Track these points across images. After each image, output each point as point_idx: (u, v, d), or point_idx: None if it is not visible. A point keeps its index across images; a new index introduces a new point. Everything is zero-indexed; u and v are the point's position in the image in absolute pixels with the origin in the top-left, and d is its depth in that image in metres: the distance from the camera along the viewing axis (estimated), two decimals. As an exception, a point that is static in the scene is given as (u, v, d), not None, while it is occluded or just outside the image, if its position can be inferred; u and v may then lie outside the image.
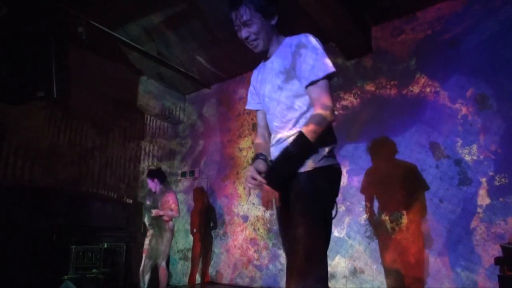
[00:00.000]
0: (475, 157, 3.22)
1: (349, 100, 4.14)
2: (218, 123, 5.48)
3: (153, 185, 4.25)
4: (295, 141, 1.35)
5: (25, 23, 3.84)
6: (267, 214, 4.52)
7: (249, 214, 4.70)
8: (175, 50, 4.68)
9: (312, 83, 1.38)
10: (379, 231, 3.59)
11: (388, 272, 3.46)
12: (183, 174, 5.67)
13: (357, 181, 3.85)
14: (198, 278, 5.05)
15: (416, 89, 3.68)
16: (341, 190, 4.13)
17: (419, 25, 3.78)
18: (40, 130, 4.17)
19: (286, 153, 1.36)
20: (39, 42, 3.37)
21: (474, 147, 3.23)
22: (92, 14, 3.78)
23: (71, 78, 3.68)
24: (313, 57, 1.40)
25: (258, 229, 4.55)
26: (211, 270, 4.93)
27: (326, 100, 1.35)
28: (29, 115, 4.05)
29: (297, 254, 1.28)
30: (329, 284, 3.80)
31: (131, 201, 4.90)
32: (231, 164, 5.10)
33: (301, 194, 1.35)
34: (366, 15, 3.95)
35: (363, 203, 3.76)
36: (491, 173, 3.11)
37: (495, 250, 2.89)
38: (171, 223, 4.11)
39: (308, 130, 1.32)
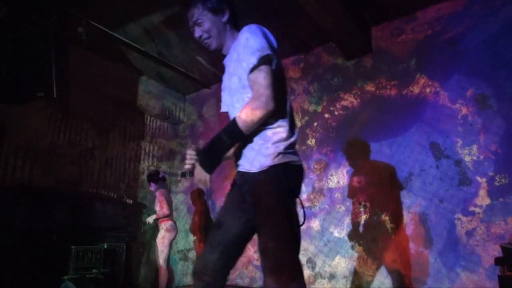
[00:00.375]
0: (475, 157, 3.22)
1: (349, 100, 4.14)
2: (218, 123, 5.48)
3: (152, 187, 4.43)
4: (227, 127, 1.32)
5: (25, 23, 3.83)
6: (267, 214, 4.51)
7: (249, 214, 4.70)
8: (175, 50, 4.68)
9: (250, 71, 1.31)
10: (378, 231, 3.59)
11: (388, 272, 3.46)
12: (183, 175, 5.67)
13: (357, 181, 3.84)
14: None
15: (416, 89, 3.68)
16: (341, 190, 4.14)
17: (419, 25, 3.78)
18: (40, 130, 4.16)
19: (217, 138, 1.34)
20: (39, 42, 3.37)
21: (474, 147, 3.23)
22: (92, 14, 3.78)
23: (71, 78, 3.67)
24: (250, 47, 1.32)
25: (258, 229, 4.55)
26: (211, 270, 4.92)
27: (261, 88, 1.27)
28: (29, 115, 4.05)
29: (269, 268, 1.20)
30: (329, 284, 3.81)
31: (131, 201, 4.89)
32: (231, 164, 5.08)
33: (260, 199, 1.28)
34: (366, 15, 3.95)
35: (363, 203, 3.75)
36: (491, 174, 3.11)
37: (495, 250, 2.89)
38: (167, 222, 4.14)
39: (240, 118, 1.28)
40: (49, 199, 3.90)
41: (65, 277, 3.50)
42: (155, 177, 4.42)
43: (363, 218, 3.73)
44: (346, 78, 4.22)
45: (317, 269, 3.92)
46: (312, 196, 4.16)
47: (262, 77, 1.28)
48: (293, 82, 4.70)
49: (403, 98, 3.75)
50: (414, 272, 3.31)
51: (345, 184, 3.92)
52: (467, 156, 3.26)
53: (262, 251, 1.23)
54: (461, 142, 3.31)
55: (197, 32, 1.51)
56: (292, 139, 1.38)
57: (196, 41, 1.59)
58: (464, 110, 3.36)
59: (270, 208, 1.25)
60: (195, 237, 5.25)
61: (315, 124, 4.35)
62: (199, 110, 5.83)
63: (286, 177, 1.29)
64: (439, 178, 3.36)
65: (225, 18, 1.50)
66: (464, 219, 3.17)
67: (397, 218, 3.50)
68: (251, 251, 4.54)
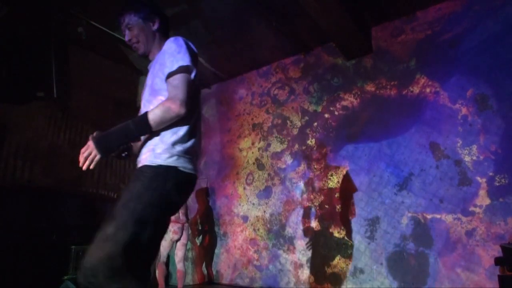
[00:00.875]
0: (475, 158, 3.22)
1: (349, 100, 4.14)
2: (218, 123, 5.48)
3: None
4: (137, 117, 1.35)
5: (25, 23, 3.84)
6: (267, 215, 4.52)
7: (249, 214, 4.70)
8: (175, 50, 4.68)
9: (168, 76, 1.38)
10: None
11: (388, 272, 3.46)
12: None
13: (357, 181, 3.85)
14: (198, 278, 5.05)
15: (416, 89, 3.68)
16: (340, 190, 4.14)
17: (419, 25, 3.78)
18: (40, 130, 4.16)
19: (125, 125, 1.35)
20: (39, 42, 3.37)
21: (474, 147, 3.23)
22: (92, 14, 3.78)
23: (71, 78, 3.68)
24: (171, 56, 1.41)
25: (258, 230, 4.56)
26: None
27: (178, 92, 1.33)
28: (29, 115, 4.05)
29: (95, 253, 1.15)
30: (329, 284, 3.81)
31: (131, 201, 4.89)
32: (231, 164, 5.10)
33: (129, 187, 1.31)
34: (366, 15, 3.95)
35: (363, 203, 3.76)
36: (491, 174, 3.11)
37: (495, 250, 2.89)
38: (173, 225, 4.18)
39: (152, 113, 1.32)
40: (49, 199, 3.90)
41: (65, 277, 3.50)
42: None
43: (363, 218, 3.73)
44: (346, 78, 4.22)
45: (317, 269, 3.92)
46: (312, 196, 4.16)
47: (180, 83, 1.34)
48: (293, 82, 4.70)
49: (403, 98, 3.75)
50: (414, 272, 3.31)
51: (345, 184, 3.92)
52: (467, 156, 3.26)
53: (103, 232, 1.19)
54: (461, 142, 3.31)
55: (127, 36, 1.61)
56: (189, 147, 1.41)
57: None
58: (464, 110, 3.36)
59: (133, 194, 1.26)
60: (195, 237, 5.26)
61: (315, 124, 4.35)
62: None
63: (167, 179, 1.31)
64: (439, 178, 3.37)
65: (155, 27, 1.63)
66: (464, 219, 3.17)
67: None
68: (251, 251, 4.55)
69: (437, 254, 3.23)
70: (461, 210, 3.19)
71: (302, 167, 4.34)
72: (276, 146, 4.66)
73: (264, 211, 4.55)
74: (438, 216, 3.30)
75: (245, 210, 4.76)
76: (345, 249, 3.77)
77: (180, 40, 1.46)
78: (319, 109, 4.37)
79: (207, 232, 5.13)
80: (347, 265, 3.72)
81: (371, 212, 3.68)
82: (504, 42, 3.24)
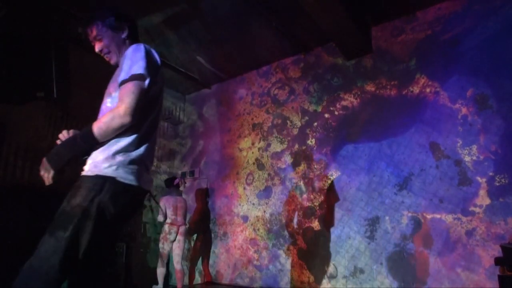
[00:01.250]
0: (475, 158, 3.22)
1: (349, 100, 4.14)
2: (218, 123, 5.48)
3: None
4: (83, 130, 1.34)
5: (25, 24, 3.83)
6: (267, 215, 4.52)
7: (249, 214, 4.70)
8: (175, 50, 4.68)
9: (120, 84, 1.35)
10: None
11: (388, 272, 3.46)
12: (183, 174, 5.67)
13: (357, 181, 3.85)
14: (197, 278, 5.05)
15: (416, 89, 3.68)
16: (341, 190, 4.15)
17: (419, 25, 3.78)
18: (40, 130, 4.16)
19: (72, 138, 1.35)
20: (39, 42, 3.37)
21: (474, 147, 3.23)
22: (92, 14, 3.78)
23: (71, 78, 3.68)
24: (128, 62, 1.38)
25: (258, 230, 4.56)
26: (211, 270, 4.93)
27: (126, 100, 1.28)
28: (29, 115, 4.04)
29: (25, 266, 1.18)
30: (329, 284, 3.82)
31: (131, 201, 4.90)
32: (231, 164, 5.10)
33: (68, 196, 1.29)
34: (366, 15, 3.95)
35: (363, 203, 3.76)
36: (491, 174, 3.11)
37: (495, 250, 2.89)
38: (164, 226, 4.39)
39: (97, 124, 1.30)
40: (49, 199, 3.90)
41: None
42: (167, 183, 4.72)
43: (363, 218, 3.73)
44: (346, 78, 4.22)
45: (317, 269, 3.93)
46: (312, 196, 4.17)
47: (128, 91, 1.30)
48: (293, 82, 4.70)
49: (403, 98, 3.75)
50: (414, 272, 3.31)
51: (346, 184, 3.92)
52: (467, 156, 3.26)
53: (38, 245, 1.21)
54: (461, 142, 3.31)
55: (97, 47, 1.59)
56: (134, 157, 1.36)
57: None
58: (464, 110, 3.36)
59: (70, 204, 1.25)
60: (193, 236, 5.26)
61: (315, 124, 4.35)
62: (199, 110, 5.83)
63: (104, 190, 1.27)
64: (439, 178, 3.37)
65: (124, 35, 1.62)
66: (464, 219, 3.17)
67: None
68: (251, 251, 4.55)
69: (437, 254, 3.23)
70: (461, 210, 3.19)
71: (302, 167, 4.34)
72: (276, 146, 4.66)
73: (264, 211, 4.55)
74: (438, 216, 3.30)
75: (245, 210, 4.76)
76: (345, 249, 3.77)
77: (141, 47, 1.42)
78: (319, 109, 4.37)
79: (203, 232, 5.16)
80: (347, 265, 3.72)
81: (371, 212, 3.68)
82: (504, 42, 3.24)
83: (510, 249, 2.44)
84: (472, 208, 3.15)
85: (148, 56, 1.41)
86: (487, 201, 3.09)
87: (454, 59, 3.50)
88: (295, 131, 4.52)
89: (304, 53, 4.63)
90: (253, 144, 4.92)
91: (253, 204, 4.70)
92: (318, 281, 3.88)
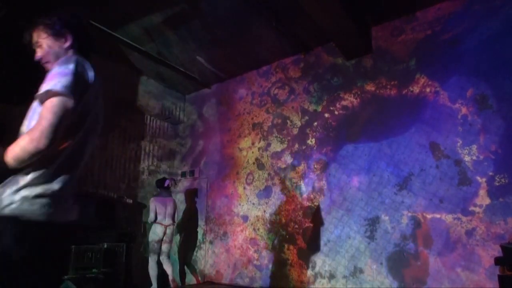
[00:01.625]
0: (475, 157, 3.22)
1: (349, 100, 4.14)
2: (218, 123, 5.48)
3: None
4: None
5: (25, 23, 3.83)
6: (267, 214, 4.52)
7: (249, 214, 4.70)
8: (175, 50, 4.68)
9: (40, 99, 1.20)
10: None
11: (388, 272, 3.46)
12: (183, 174, 5.68)
13: (357, 181, 3.85)
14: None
15: (416, 89, 3.68)
16: (341, 190, 4.14)
17: (419, 25, 3.78)
18: (40, 130, 4.16)
19: None
20: (39, 42, 3.37)
21: (474, 147, 3.23)
22: (92, 14, 3.78)
23: (71, 78, 3.67)
24: (53, 77, 1.22)
25: (258, 229, 4.56)
26: (211, 270, 4.93)
27: (42, 121, 1.12)
28: (29, 115, 4.04)
29: None
30: (329, 284, 3.81)
31: (131, 201, 4.90)
32: (231, 164, 5.10)
33: None
34: (366, 15, 3.95)
35: (363, 203, 3.76)
36: (491, 173, 3.11)
37: (495, 250, 2.89)
38: (153, 226, 4.49)
39: (9, 149, 1.14)
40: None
41: (65, 277, 3.50)
42: (158, 184, 4.77)
43: (363, 218, 3.74)
44: (346, 78, 4.22)
45: (317, 268, 3.93)
46: (312, 196, 4.17)
47: (49, 109, 1.14)
48: (293, 82, 4.70)
49: (403, 98, 3.75)
50: (414, 272, 3.31)
51: (346, 184, 3.92)
52: (467, 156, 3.26)
53: None
54: (461, 142, 3.32)
55: (36, 54, 1.45)
56: (42, 192, 1.16)
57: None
58: (464, 110, 3.36)
59: None
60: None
61: (315, 124, 4.35)
62: (199, 110, 5.83)
63: (9, 234, 1.11)
64: (439, 178, 3.37)
65: (67, 44, 1.45)
66: (464, 219, 3.17)
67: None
68: (251, 251, 4.55)
69: (437, 254, 3.23)
70: (461, 210, 3.19)
71: (302, 167, 4.34)
72: (276, 146, 4.66)
73: (264, 211, 4.55)
74: (438, 216, 3.30)
75: (245, 210, 4.76)
76: (345, 249, 3.77)
77: (71, 59, 1.27)
78: (319, 108, 4.37)
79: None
80: (347, 265, 3.72)
81: (371, 212, 3.69)
82: (504, 42, 3.24)
83: (510, 249, 2.44)
84: (472, 208, 3.15)
85: (77, 71, 1.25)
86: (487, 201, 3.09)
87: (454, 59, 3.50)
88: (295, 131, 4.52)
89: (304, 53, 4.63)
90: (253, 144, 4.92)
91: (253, 204, 4.70)
92: (318, 281, 3.88)
